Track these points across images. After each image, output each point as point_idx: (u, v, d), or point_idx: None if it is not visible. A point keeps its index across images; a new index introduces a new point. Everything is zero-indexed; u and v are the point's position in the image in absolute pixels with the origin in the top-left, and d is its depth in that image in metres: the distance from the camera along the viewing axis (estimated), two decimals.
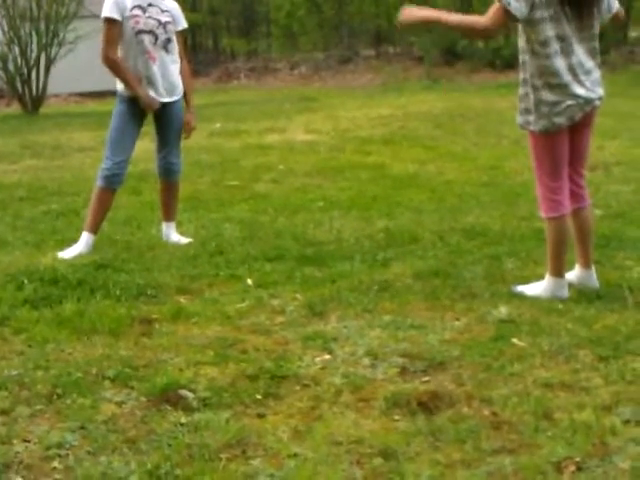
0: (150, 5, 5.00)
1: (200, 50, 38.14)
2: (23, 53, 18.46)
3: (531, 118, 3.87)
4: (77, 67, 20.39)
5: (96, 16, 17.36)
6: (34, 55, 18.49)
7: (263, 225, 5.74)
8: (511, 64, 23.84)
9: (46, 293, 4.07)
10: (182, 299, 4.09)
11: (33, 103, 18.64)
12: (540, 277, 4.06)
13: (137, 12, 4.94)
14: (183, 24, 5.22)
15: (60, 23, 18.48)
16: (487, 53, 25.14)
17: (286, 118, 13.59)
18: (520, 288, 4.05)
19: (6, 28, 18.26)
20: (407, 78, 23.73)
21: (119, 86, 5.05)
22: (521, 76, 3.91)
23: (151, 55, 5.01)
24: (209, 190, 7.33)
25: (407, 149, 9.57)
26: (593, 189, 6.47)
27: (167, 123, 5.19)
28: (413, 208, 6.14)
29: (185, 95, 5.24)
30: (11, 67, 18.49)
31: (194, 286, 4.30)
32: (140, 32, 4.96)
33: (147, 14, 4.98)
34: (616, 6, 3.98)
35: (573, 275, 4.12)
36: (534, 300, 3.87)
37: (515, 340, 3.38)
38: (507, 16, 3.73)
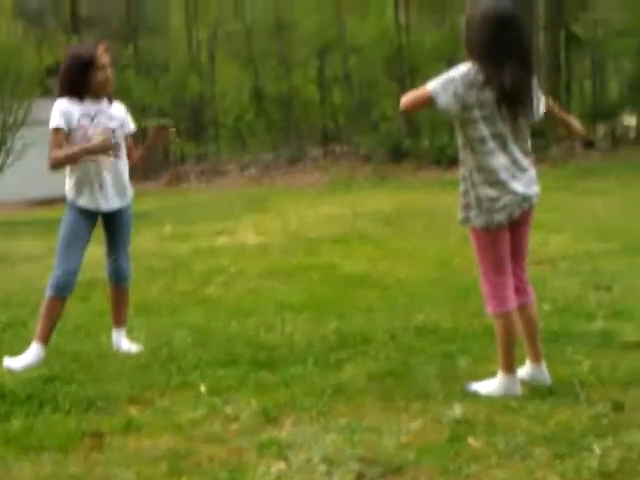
0: (98, 113, 5.05)
1: (150, 153, 38.39)
2: None
3: (472, 214, 3.96)
4: (25, 175, 20.37)
5: (43, 123, 17.40)
6: None
7: (215, 330, 5.70)
8: (456, 161, 24.27)
9: None
10: (133, 410, 4.01)
11: None
12: (493, 374, 4.07)
13: (85, 122, 4.99)
14: (131, 127, 5.28)
15: (8, 132, 18.54)
16: (432, 151, 25.72)
17: (236, 220, 13.68)
18: (474, 386, 4.06)
19: None
20: (355, 176, 24.12)
21: (69, 194, 5.05)
22: (461, 172, 4.03)
23: (102, 163, 5.04)
24: (160, 296, 7.28)
25: (357, 248, 9.65)
26: (540, 284, 6.56)
27: (117, 229, 5.19)
28: (365, 308, 6.16)
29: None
30: None
31: (145, 396, 4.22)
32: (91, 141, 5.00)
33: (95, 122, 5.02)
34: (542, 108, 4.08)
35: (524, 371, 4.14)
36: (488, 398, 3.88)
37: (471, 440, 3.37)
38: (431, 105, 3.87)
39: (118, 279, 5.26)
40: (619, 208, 12.13)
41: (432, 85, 3.88)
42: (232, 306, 6.53)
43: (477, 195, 3.93)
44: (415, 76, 28.70)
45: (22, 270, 9.48)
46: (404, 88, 28.49)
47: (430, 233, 10.51)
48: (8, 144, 18.51)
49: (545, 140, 23.92)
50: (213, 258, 9.40)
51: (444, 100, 3.85)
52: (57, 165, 4.98)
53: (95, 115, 5.03)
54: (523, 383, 4.01)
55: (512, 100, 3.88)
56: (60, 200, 5.15)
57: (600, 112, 27.75)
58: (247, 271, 8.30)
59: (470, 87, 3.86)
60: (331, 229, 11.57)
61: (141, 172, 27.39)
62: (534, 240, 8.96)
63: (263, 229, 11.97)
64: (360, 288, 7.05)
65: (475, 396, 3.92)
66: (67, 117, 4.95)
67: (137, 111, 34.90)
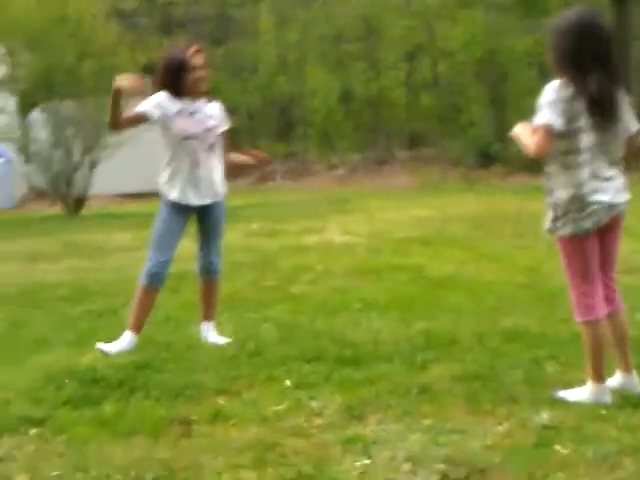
0: (196, 111, 5.15)
1: (238, 153, 38.87)
2: (67, 155, 18.96)
3: (558, 224, 3.96)
4: (119, 169, 20.86)
5: None
6: (77, 158, 18.98)
7: (301, 326, 5.75)
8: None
9: (86, 393, 4.10)
10: (221, 400, 4.09)
11: (75, 204, 19.05)
12: (582, 382, 4.01)
13: (184, 117, 5.09)
14: (227, 124, 5.37)
15: (103, 127, 19.00)
16: (522, 156, 25.31)
17: (323, 219, 13.74)
18: (562, 393, 4.00)
19: (51, 132, 18.82)
20: (443, 180, 23.96)
21: (162, 188, 5.17)
22: (547, 185, 4.00)
23: (197, 159, 5.15)
24: (247, 290, 7.38)
25: (445, 250, 9.59)
26: (632, 292, 6.42)
27: (209, 224, 5.29)
28: (452, 309, 6.12)
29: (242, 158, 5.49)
30: (55, 169, 18.98)
31: (233, 387, 4.29)
32: (187, 137, 5.11)
33: (194, 120, 5.13)
34: (634, 129, 4.02)
35: (615, 380, 4.06)
36: (576, 406, 3.82)
37: (558, 447, 3.32)
38: (551, 135, 3.80)
39: (209, 273, 5.36)
40: None
41: (543, 118, 3.83)
42: (318, 303, 6.57)
43: (563, 206, 3.91)
44: (505, 81, 28.38)
45: (115, 261, 9.73)
46: (494, 93, 28.22)
47: (519, 238, 10.37)
48: (104, 139, 18.97)
49: None
50: (300, 256, 9.46)
51: (559, 123, 3.81)
52: (111, 125, 5.07)
53: (194, 112, 5.14)
54: (613, 392, 3.93)
55: (602, 109, 3.83)
56: (151, 195, 5.29)
57: None
58: (333, 269, 8.33)
59: (567, 101, 3.82)
60: (419, 231, 11.52)
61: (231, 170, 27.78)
62: (627, 248, 8.79)
63: (350, 229, 12.00)
64: (447, 290, 7.01)
65: (563, 403, 3.86)
66: (161, 108, 5.07)
67: (227, 111, 35.45)
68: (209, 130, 5.20)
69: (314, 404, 3.97)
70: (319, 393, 4.13)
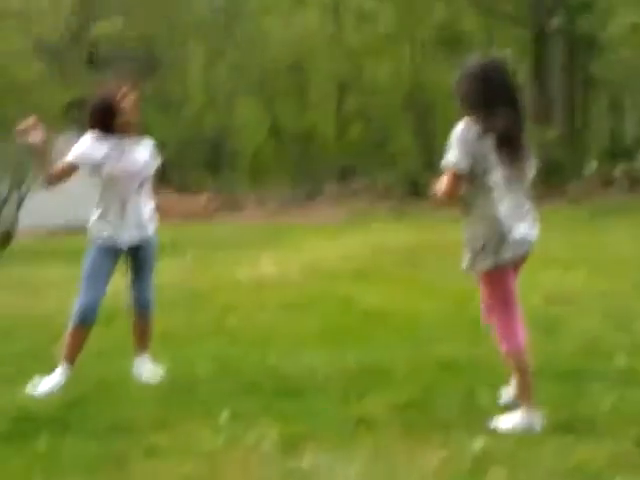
0: (124, 151, 5.15)
1: (168, 186, 38.68)
2: None
3: (479, 258, 4.10)
4: (46, 203, 20.55)
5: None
6: (4, 193, 18.67)
7: (236, 360, 5.72)
8: None
9: (19, 430, 4.02)
10: (156, 435, 4.05)
11: (3, 239, 18.69)
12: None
13: (112, 158, 5.08)
14: (157, 163, 5.37)
15: (29, 163, 18.71)
16: None
17: (256, 252, 13.73)
18: (495, 422, 4.06)
19: None
20: (373, 211, 24.18)
21: (93, 229, 5.16)
22: (464, 222, 4.17)
23: (125, 199, 5.15)
24: (181, 326, 7.31)
25: (376, 281, 9.67)
26: (559, 322, 6.58)
27: (140, 261, 5.28)
28: (384, 340, 6.17)
29: None
30: None
31: (168, 422, 4.25)
32: (115, 178, 5.10)
33: (122, 160, 5.12)
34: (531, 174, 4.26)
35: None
36: (510, 432, 3.89)
37: (492, 473, 3.38)
38: (459, 176, 4.01)
39: (143, 308, 5.33)
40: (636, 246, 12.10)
41: (451, 160, 4.02)
42: (252, 337, 6.56)
43: (483, 241, 4.05)
44: (432, 112, 28.89)
45: (45, 297, 9.55)
46: (422, 124, 28.70)
47: (449, 268, 10.50)
48: (32, 175, 18.69)
49: (562, 177, 23.97)
50: (232, 290, 9.43)
51: (465, 164, 3.99)
52: (46, 182, 5.10)
53: (122, 152, 5.14)
54: (545, 417, 4.02)
55: (510, 144, 3.99)
56: (79, 229, 5.27)
57: (618, 151, 27.74)
58: (266, 303, 8.33)
59: (473, 141, 3.99)
60: (349, 263, 11.59)
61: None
62: (551, 278, 8.95)
63: (281, 262, 12.02)
64: (379, 321, 7.06)
65: (497, 430, 3.93)
66: (88, 154, 5.07)
67: (157, 145, 35.32)
68: (137, 170, 5.20)
69: (251, 438, 3.96)
70: (256, 426, 4.13)
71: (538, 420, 4.00)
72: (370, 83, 30.54)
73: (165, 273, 10.59)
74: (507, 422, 4.03)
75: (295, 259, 12.40)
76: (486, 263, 4.07)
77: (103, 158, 5.07)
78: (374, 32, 31.40)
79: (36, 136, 4.94)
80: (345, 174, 34.88)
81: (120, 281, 5.38)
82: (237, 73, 36.33)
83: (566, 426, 3.95)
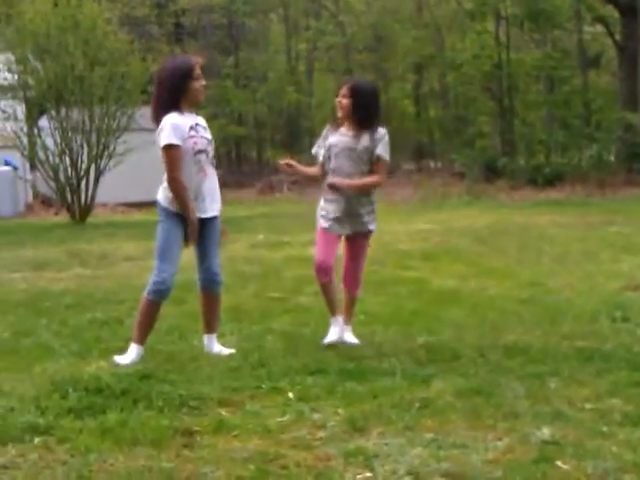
0: (197, 124, 5.19)
1: (245, 162, 39.03)
2: (74, 164, 19.02)
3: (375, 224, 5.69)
4: (124, 178, 20.93)
5: (145, 130, 17.78)
6: (84, 166, 19.04)
7: (305, 338, 5.77)
8: (552, 182, 24.05)
9: (90, 402, 4.12)
10: (224, 411, 4.11)
11: (81, 212, 19.10)
12: (585, 398, 4.04)
13: (193, 133, 5.13)
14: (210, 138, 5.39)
15: (111, 136, 19.07)
16: (528, 170, 25.37)
17: None
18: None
19: (58, 139, 18.89)
20: (448, 193, 23.98)
21: (165, 202, 5.19)
22: (368, 196, 5.64)
23: (205, 172, 5.19)
24: (251, 301, 7.41)
25: (447, 264, 9.62)
26: (636, 309, 6.44)
27: (209, 236, 5.31)
28: (453, 324, 6.15)
29: None
30: (62, 177, 19.04)
31: (235, 398, 4.32)
32: (198, 152, 5.15)
33: (200, 134, 5.17)
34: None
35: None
36: (578, 422, 3.83)
37: (559, 463, 3.34)
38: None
39: (211, 286, 5.39)
40: None
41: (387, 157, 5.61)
42: (322, 315, 6.58)
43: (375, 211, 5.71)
44: (514, 93, 28.42)
45: (120, 270, 9.77)
46: (502, 105, 28.25)
47: (522, 253, 10.40)
48: (110, 148, 19.03)
49: None
50: (304, 267, 9.47)
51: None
52: (174, 190, 5.11)
53: (196, 126, 5.18)
54: (616, 411, 3.96)
55: None
56: (155, 204, 5.30)
57: None
58: (337, 281, 8.34)
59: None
60: (421, 244, 11.55)
61: (235, 180, 27.82)
62: (630, 264, 8.77)
63: None
64: (449, 304, 7.03)
65: (565, 419, 3.88)
66: (179, 131, 5.08)
67: (234, 120, 35.59)
68: (209, 142, 5.25)
69: (316, 416, 3.99)
70: (322, 406, 4.16)
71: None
72: (451, 61, 30.16)
73: (238, 249, 10.73)
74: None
75: None
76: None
77: (187, 133, 5.11)
78: (456, 8, 30.96)
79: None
80: (421, 153, 34.67)
81: (192, 256, 5.45)
82: (317, 48, 36.31)
83: (637, 416, 3.88)
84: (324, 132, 5.74)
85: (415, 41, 32.34)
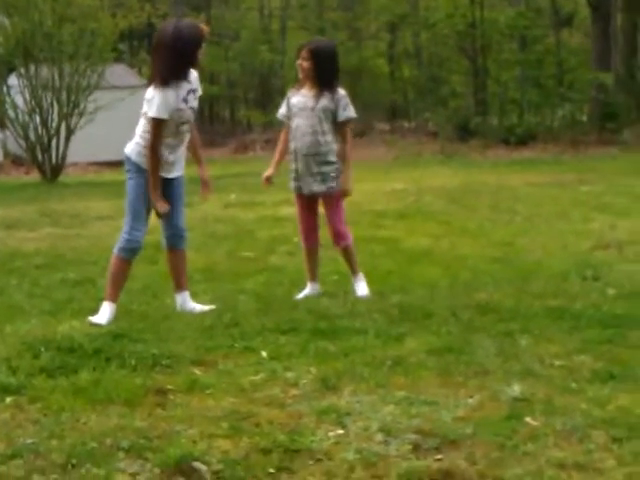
0: (190, 91, 5.14)
1: (217, 121, 38.74)
2: (44, 122, 18.80)
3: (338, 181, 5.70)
4: (95, 137, 20.72)
5: (115, 87, 17.44)
6: (54, 124, 18.83)
7: (278, 297, 5.79)
8: (524, 141, 24.10)
9: (62, 362, 4.10)
10: (197, 370, 4.12)
11: (52, 171, 18.91)
12: (554, 355, 4.09)
13: (182, 106, 5.10)
14: (200, 93, 5.34)
15: (81, 94, 18.85)
16: (501, 130, 25.41)
17: None
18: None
19: (28, 97, 18.64)
20: (421, 153, 23.98)
21: (137, 157, 5.15)
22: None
23: (182, 139, 5.20)
24: (224, 261, 7.40)
25: (421, 224, 9.65)
26: (605, 268, 6.51)
27: (175, 194, 5.29)
28: (426, 283, 6.18)
29: (199, 163, 5.40)
30: (32, 135, 18.82)
31: (209, 357, 4.32)
32: (182, 123, 5.15)
33: (189, 104, 5.13)
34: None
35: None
36: (547, 379, 3.88)
37: (528, 419, 3.38)
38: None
39: (178, 242, 5.37)
40: None
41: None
42: (295, 275, 6.60)
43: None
44: (487, 53, 28.34)
45: (92, 229, 9.72)
46: (475, 65, 28.19)
47: (495, 212, 10.45)
48: (81, 106, 18.82)
49: (617, 124, 23.48)
50: (277, 227, 9.48)
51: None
52: (150, 160, 5.08)
53: (187, 95, 5.14)
54: (584, 368, 4.01)
55: None
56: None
57: None
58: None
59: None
60: (395, 204, 11.57)
61: (208, 140, 27.64)
62: (601, 223, 8.85)
63: None
64: (422, 263, 7.07)
65: (535, 376, 3.93)
66: (170, 107, 5.04)
67: (205, 79, 35.24)
68: (193, 111, 5.22)
69: (289, 375, 4.01)
70: (294, 364, 4.17)
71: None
72: (424, 20, 29.99)
73: (210, 209, 10.69)
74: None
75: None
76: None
77: (177, 107, 5.09)
78: None
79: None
80: (395, 113, 34.57)
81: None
82: (290, 6, 35.93)
83: (606, 373, 3.93)
84: (287, 95, 5.87)
85: (388, 0, 32.11)
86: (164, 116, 5.04)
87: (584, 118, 26.15)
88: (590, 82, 25.41)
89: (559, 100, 25.82)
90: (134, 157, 5.16)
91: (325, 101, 5.62)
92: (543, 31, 28.91)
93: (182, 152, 5.28)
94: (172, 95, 5.05)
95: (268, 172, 5.92)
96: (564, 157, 21.24)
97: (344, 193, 5.76)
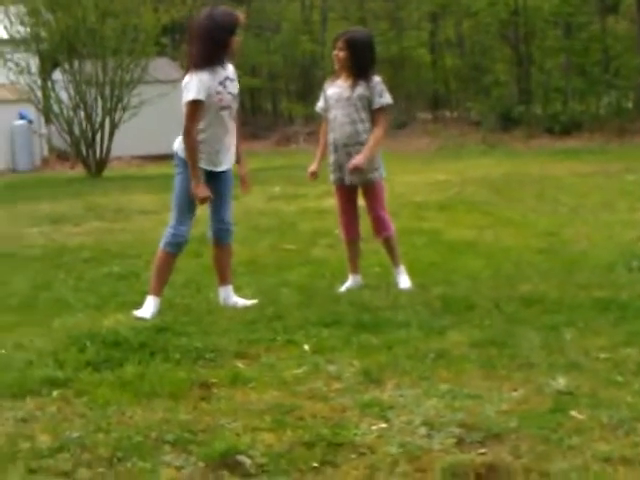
0: (227, 78, 5.15)
1: (260, 113, 38.81)
2: (88, 117, 18.99)
3: (381, 171, 5.76)
4: (139, 131, 20.89)
5: (159, 81, 17.60)
6: (99, 119, 19.02)
7: (320, 290, 5.79)
8: (569, 130, 23.80)
9: (108, 355, 4.17)
10: (240, 363, 4.15)
11: (96, 166, 19.11)
12: (601, 348, 4.04)
13: (220, 89, 5.10)
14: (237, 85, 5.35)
15: (124, 88, 19.01)
16: (544, 119, 25.11)
17: None
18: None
19: (72, 93, 18.85)
20: (464, 143, 23.80)
21: (184, 153, 5.17)
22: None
23: (226, 128, 5.19)
24: (267, 254, 7.42)
25: (463, 215, 9.58)
26: None
27: (223, 188, 5.31)
28: (469, 275, 6.14)
29: (238, 159, 5.39)
30: (76, 130, 19.03)
31: (251, 351, 4.35)
32: (222, 108, 5.13)
33: (227, 89, 5.14)
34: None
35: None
36: (593, 372, 3.84)
37: (574, 412, 3.35)
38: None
39: (224, 237, 5.40)
40: None
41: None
42: (337, 267, 6.59)
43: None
44: (531, 40, 28.00)
45: (136, 223, 9.81)
46: (519, 53, 27.88)
47: (539, 203, 10.35)
48: (124, 100, 18.99)
49: None
50: (319, 219, 9.48)
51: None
52: (187, 145, 5.08)
53: (225, 80, 5.14)
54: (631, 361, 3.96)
55: None
56: (171, 157, 5.29)
57: None
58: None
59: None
60: (437, 195, 11.51)
61: (250, 132, 27.72)
62: None
63: None
64: (465, 255, 7.02)
65: (580, 369, 3.89)
66: (206, 87, 5.04)
67: (247, 71, 35.38)
68: (234, 97, 5.22)
69: (332, 368, 4.02)
70: (337, 357, 4.18)
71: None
72: (466, 9, 29.71)
73: (254, 202, 10.73)
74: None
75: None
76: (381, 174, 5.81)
77: (215, 90, 5.08)
78: None
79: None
80: (437, 103, 34.33)
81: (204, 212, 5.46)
82: None
83: None
84: (323, 87, 5.88)
85: None
86: (200, 97, 5.00)
87: (630, 105, 25.73)
88: (636, 69, 25.00)
89: (605, 87, 25.44)
90: (180, 152, 5.19)
91: (361, 89, 5.61)
92: (588, 18, 28.47)
93: (229, 143, 5.24)
94: (207, 77, 5.03)
95: (312, 167, 5.90)
96: (610, 146, 20.94)
97: (351, 165, 5.57)
